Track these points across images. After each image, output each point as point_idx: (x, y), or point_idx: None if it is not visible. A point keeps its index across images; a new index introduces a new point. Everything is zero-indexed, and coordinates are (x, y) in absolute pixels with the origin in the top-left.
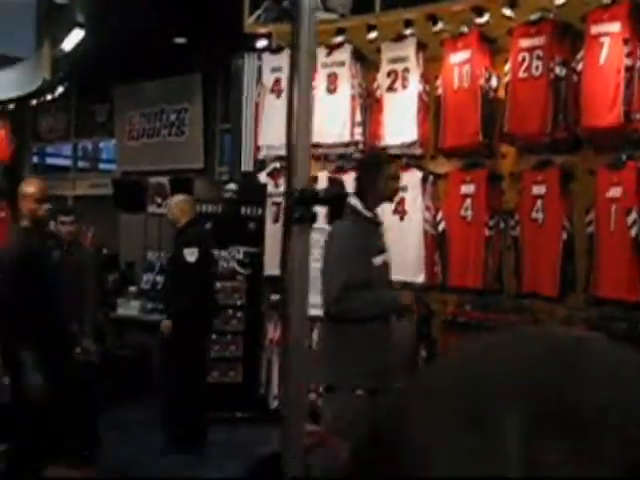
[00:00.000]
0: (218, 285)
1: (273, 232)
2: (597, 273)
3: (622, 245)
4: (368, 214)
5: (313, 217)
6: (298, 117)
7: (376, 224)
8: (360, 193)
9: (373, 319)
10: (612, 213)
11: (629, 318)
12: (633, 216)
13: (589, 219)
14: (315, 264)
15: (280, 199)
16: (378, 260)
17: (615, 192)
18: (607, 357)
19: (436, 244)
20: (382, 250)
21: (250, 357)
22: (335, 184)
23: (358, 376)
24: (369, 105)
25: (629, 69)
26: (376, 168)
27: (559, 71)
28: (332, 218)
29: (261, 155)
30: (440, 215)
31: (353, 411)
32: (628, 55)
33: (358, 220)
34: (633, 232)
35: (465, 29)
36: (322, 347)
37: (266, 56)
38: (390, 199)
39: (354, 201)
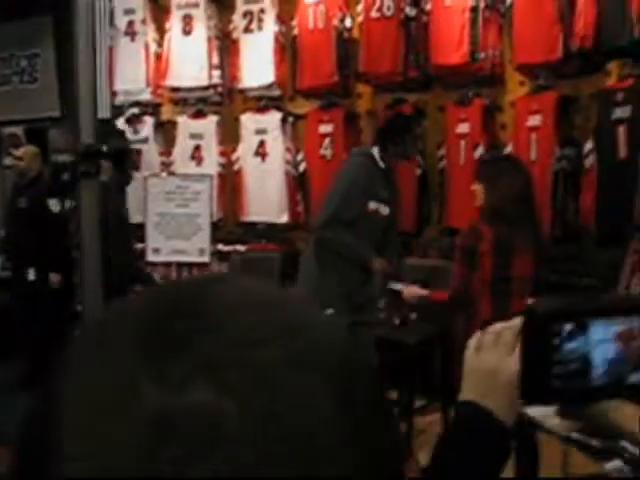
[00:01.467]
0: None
1: (134, 180)
2: (449, 205)
3: (470, 177)
4: (381, 164)
5: (98, 170)
6: (79, 72)
7: (385, 174)
8: (382, 145)
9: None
10: (461, 148)
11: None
12: (480, 150)
13: (441, 154)
14: (180, 209)
15: (140, 145)
16: (373, 206)
17: (463, 128)
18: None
19: (298, 184)
20: (384, 200)
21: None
22: (119, 136)
23: (331, 298)
24: (226, 47)
25: (474, 9)
26: (404, 130)
27: (409, 11)
28: (117, 170)
29: (118, 101)
30: (300, 155)
31: None
32: None
33: (369, 165)
34: (479, 160)
35: None
36: (303, 264)
37: None
38: (410, 158)
39: (375, 150)
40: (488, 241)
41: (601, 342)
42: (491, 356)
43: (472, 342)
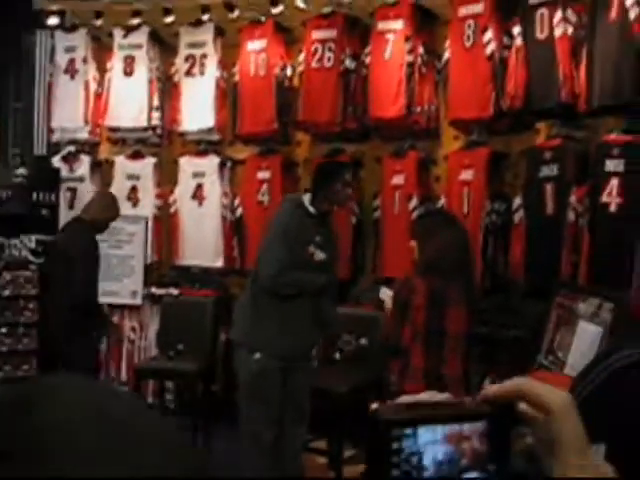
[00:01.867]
0: (7, 276)
1: (68, 218)
2: (383, 255)
3: (404, 228)
4: (311, 209)
5: None
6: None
7: (317, 220)
8: (314, 191)
9: (295, 298)
10: (396, 199)
11: None
12: (414, 201)
13: (376, 204)
14: (114, 251)
15: (75, 184)
16: (311, 250)
17: (398, 179)
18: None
19: (234, 229)
20: (319, 246)
21: (46, 348)
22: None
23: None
24: (167, 89)
25: (410, 65)
26: (333, 175)
27: (349, 63)
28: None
29: (55, 138)
30: (237, 200)
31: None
32: (409, 52)
33: (299, 212)
34: (414, 216)
35: (262, 18)
36: (239, 309)
37: (59, 34)
38: (342, 205)
39: (306, 197)
40: (421, 294)
41: (431, 444)
42: None
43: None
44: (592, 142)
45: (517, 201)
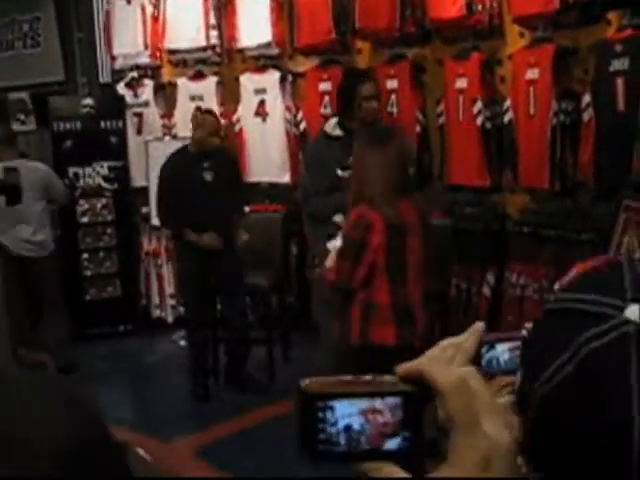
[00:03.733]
0: (85, 205)
1: (137, 143)
2: (449, 161)
3: (470, 134)
4: (335, 132)
5: None
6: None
7: (346, 142)
8: (338, 113)
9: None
10: (460, 103)
11: (480, 202)
12: (479, 105)
13: (440, 110)
14: None
15: (141, 109)
16: (343, 174)
17: (462, 83)
18: None
19: (299, 143)
20: (348, 167)
21: (127, 271)
22: (12, 173)
23: None
24: (223, 6)
25: None
26: (349, 93)
27: None
28: (9, 204)
29: (117, 65)
30: (301, 114)
31: None
32: None
33: (320, 138)
34: (479, 121)
35: None
36: None
37: None
38: (370, 120)
39: (331, 121)
40: (379, 231)
41: (347, 416)
42: None
43: (428, 352)
44: None
45: (586, 99)
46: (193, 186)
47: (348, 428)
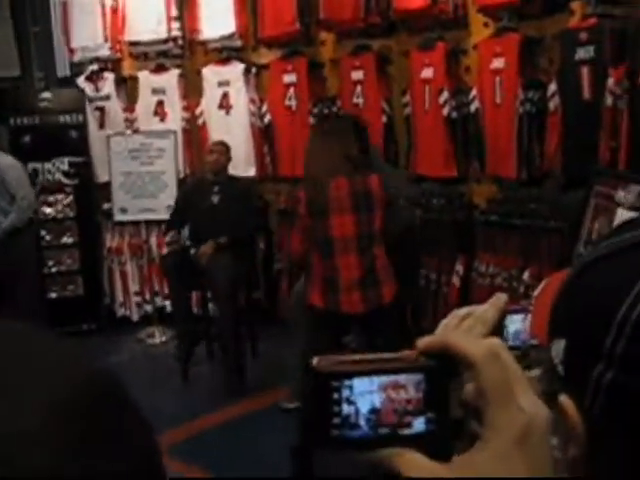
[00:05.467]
0: (49, 198)
1: (99, 138)
2: (416, 152)
3: (436, 124)
4: None
5: None
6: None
7: None
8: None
9: None
10: (426, 93)
11: (446, 193)
12: (445, 95)
13: (405, 100)
14: (145, 167)
15: (102, 103)
16: None
17: (427, 73)
18: None
19: (264, 136)
20: None
21: (90, 268)
22: None
23: None
24: None
25: None
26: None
27: None
28: None
29: (76, 58)
30: (265, 106)
31: None
32: None
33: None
34: (445, 111)
35: None
36: None
37: None
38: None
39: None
40: (303, 205)
41: (367, 393)
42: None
43: (443, 321)
44: (631, 19)
45: (552, 87)
46: (200, 207)
47: (368, 407)
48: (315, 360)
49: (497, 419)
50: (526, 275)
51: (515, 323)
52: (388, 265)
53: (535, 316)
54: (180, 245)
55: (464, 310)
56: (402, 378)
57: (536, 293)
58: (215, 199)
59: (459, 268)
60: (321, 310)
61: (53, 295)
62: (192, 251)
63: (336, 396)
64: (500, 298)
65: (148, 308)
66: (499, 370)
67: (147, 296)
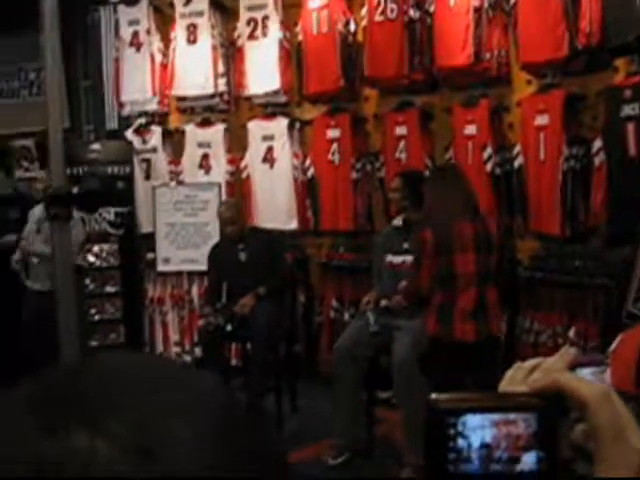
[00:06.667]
0: (95, 248)
1: (145, 189)
2: None
3: (480, 179)
4: (395, 222)
5: (69, 215)
6: (49, 109)
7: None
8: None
9: None
10: (469, 149)
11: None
12: (488, 151)
13: (448, 156)
14: (189, 219)
15: (149, 155)
16: (395, 259)
17: (471, 129)
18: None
19: (306, 190)
20: (400, 252)
21: (131, 317)
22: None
23: None
24: (231, 55)
25: (477, 10)
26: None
27: (413, 13)
28: (88, 211)
29: (125, 112)
30: (308, 161)
31: None
32: None
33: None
34: (489, 167)
35: None
36: None
37: (122, 8)
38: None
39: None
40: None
41: (479, 428)
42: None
43: (508, 373)
44: None
45: (597, 144)
46: (229, 266)
47: (481, 442)
48: (433, 396)
49: (612, 456)
50: (572, 332)
51: (585, 376)
52: (499, 301)
53: (615, 369)
54: (213, 325)
55: (532, 362)
56: (513, 416)
57: (612, 348)
58: (242, 256)
59: (503, 325)
60: (434, 337)
61: (94, 343)
62: (228, 328)
63: (452, 432)
64: (569, 350)
65: (187, 358)
66: (612, 411)
67: (187, 346)
